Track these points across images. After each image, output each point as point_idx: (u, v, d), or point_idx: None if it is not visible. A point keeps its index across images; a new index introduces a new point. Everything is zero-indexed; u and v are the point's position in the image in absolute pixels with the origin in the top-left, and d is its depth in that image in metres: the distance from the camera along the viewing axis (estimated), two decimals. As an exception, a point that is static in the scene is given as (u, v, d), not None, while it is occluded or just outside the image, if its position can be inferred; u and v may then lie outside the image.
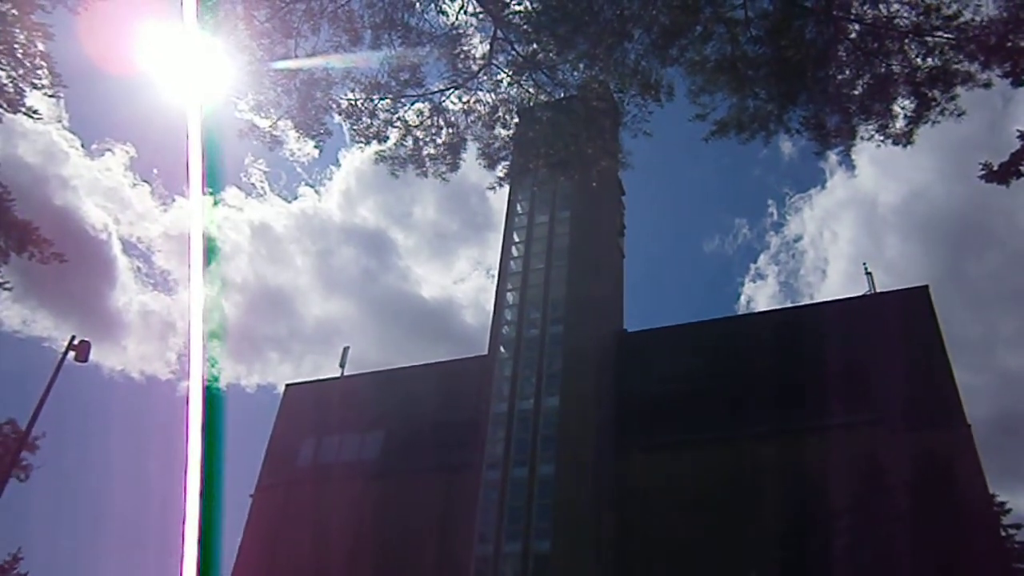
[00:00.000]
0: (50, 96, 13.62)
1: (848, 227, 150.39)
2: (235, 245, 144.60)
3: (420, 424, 51.42)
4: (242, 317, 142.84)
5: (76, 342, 24.98)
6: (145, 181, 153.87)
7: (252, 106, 9.60)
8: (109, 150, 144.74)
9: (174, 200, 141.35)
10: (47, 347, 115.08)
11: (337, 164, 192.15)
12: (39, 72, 13.11)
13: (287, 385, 62.06)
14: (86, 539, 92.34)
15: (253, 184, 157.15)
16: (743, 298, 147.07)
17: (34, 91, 13.42)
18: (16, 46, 12.74)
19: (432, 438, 50.17)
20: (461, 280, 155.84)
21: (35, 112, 13.99)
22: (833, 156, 10.25)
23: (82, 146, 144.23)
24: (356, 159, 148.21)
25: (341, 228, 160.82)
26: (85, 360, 25.19)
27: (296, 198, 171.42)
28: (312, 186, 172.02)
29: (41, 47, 12.90)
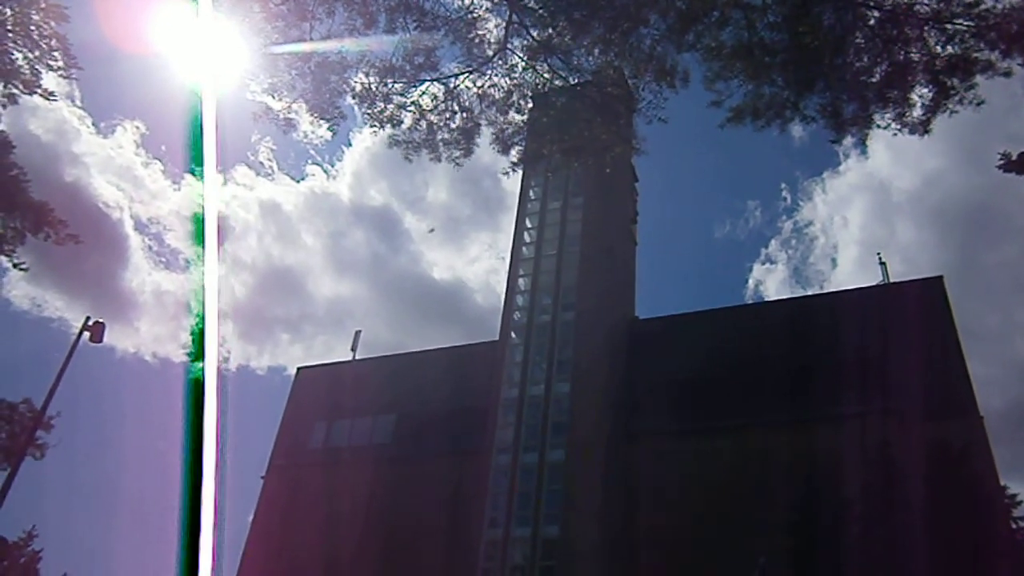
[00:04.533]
0: (65, 77, 13.69)
1: (860, 213, 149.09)
2: (245, 224, 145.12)
3: (431, 409, 51.58)
4: (253, 297, 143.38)
5: (91, 323, 25.16)
6: (157, 159, 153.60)
7: (266, 88, 9.59)
8: (120, 126, 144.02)
9: (184, 178, 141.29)
10: (59, 328, 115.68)
11: (348, 144, 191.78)
12: (54, 54, 13.17)
13: (299, 368, 62.34)
14: (99, 518, 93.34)
15: (262, 163, 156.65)
16: (752, 282, 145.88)
17: (49, 72, 13.48)
18: (32, 27, 12.79)
19: (443, 423, 50.30)
20: (472, 262, 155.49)
21: (51, 94, 14.05)
22: (848, 138, 10.20)
23: (93, 124, 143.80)
24: (367, 140, 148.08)
25: (352, 209, 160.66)
26: (100, 341, 25.35)
27: (304, 178, 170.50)
28: (321, 166, 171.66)
29: (56, 28, 12.95)
